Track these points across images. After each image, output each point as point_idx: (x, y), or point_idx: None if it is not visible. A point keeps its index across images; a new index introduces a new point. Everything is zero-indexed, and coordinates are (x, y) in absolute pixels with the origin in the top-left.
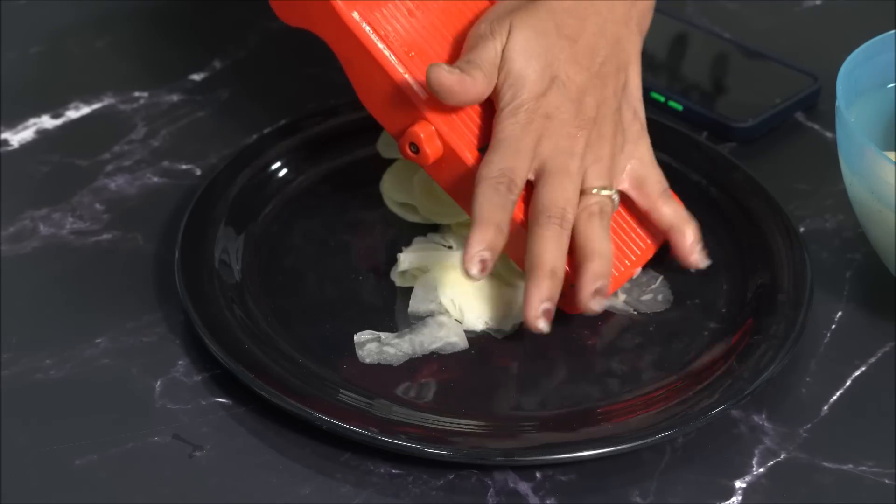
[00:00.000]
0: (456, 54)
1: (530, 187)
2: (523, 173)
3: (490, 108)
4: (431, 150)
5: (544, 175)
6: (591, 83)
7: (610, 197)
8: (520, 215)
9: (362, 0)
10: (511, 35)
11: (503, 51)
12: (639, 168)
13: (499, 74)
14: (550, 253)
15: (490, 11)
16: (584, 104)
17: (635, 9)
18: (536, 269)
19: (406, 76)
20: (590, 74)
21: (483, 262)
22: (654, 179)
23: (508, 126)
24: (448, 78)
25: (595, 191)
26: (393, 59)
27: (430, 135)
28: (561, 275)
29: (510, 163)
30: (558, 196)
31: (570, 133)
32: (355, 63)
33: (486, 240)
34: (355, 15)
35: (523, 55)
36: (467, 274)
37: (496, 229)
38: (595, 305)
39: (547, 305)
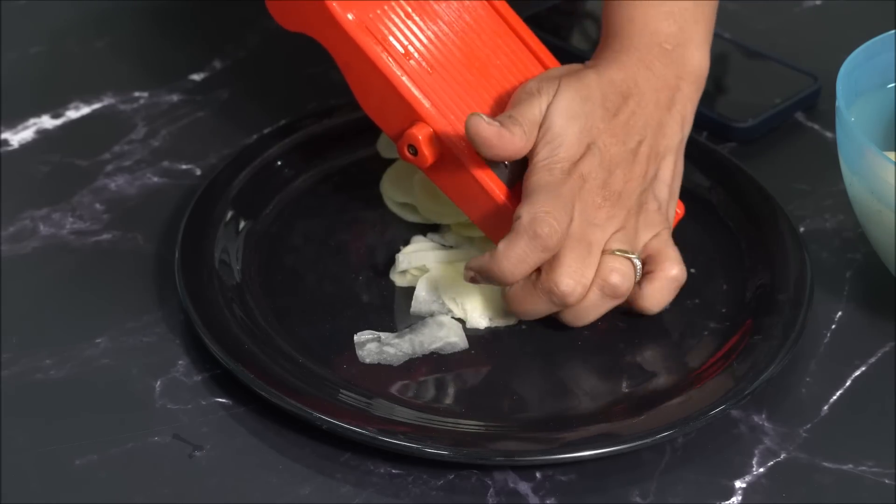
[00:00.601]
0: (453, 56)
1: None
2: (566, 218)
3: (496, 107)
4: (430, 151)
5: (567, 239)
6: (624, 158)
7: (631, 260)
8: None
9: (358, 1)
10: (557, 95)
11: (546, 108)
12: (655, 244)
13: (538, 131)
14: (535, 312)
15: (543, 73)
16: (613, 176)
17: (680, 93)
18: (511, 306)
19: (403, 78)
20: (624, 149)
21: (473, 280)
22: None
23: (544, 177)
24: (487, 129)
25: (618, 252)
26: (390, 61)
27: (429, 137)
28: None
29: (552, 205)
30: (575, 274)
31: (596, 202)
32: (353, 66)
33: (488, 273)
34: (350, 17)
35: (565, 115)
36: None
37: (503, 277)
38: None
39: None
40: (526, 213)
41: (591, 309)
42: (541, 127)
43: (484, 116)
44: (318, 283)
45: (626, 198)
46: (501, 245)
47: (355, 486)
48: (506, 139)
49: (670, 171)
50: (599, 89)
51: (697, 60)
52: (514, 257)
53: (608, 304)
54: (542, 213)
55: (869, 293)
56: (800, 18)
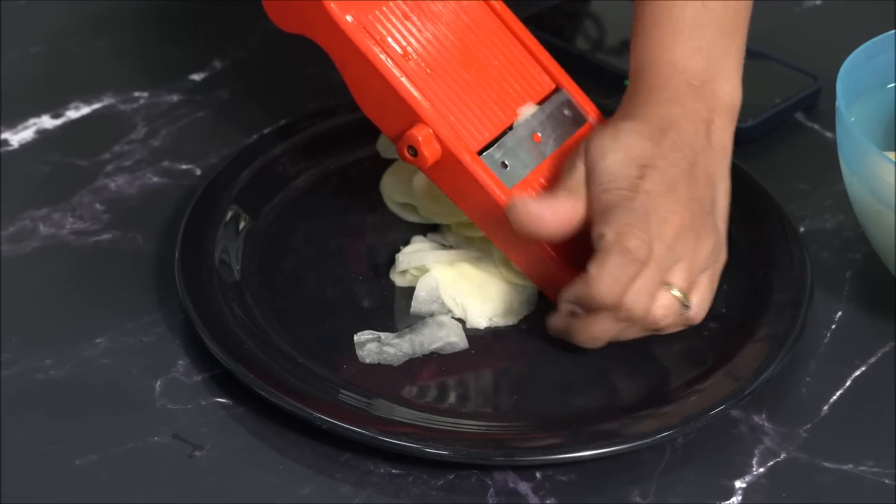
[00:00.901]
0: (452, 56)
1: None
2: (648, 229)
3: (495, 107)
4: (430, 152)
5: None
6: (684, 178)
7: (681, 302)
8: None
9: (356, 2)
10: (590, 148)
11: (584, 165)
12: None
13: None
14: (601, 339)
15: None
16: (677, 192)
17: (714, 125)
18: (578, 336)
19: (402, 79)
20: (680, 171)
21: (574, 314)
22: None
23: (611, 198)
24: (529, 207)
25: (673, 290)
26: (389, 62)
27: (428, 137)
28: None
29: (631, 218)
30: (642, 296)
31: (664, 217)
32: (351, 67)
33: (586, 299)
34: (349, 18)
35: (606, 153)
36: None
37: (602, 300)
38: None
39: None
40: (609, 230)
41: (627, 333)
42: (587, 180)
43: (523, 199)
44: (319, 283)
45: (693, 216)
46: (592, 268)
47: (355, 486)
48: (554, 207)
49: (724, 202)
50: (635, 130)
51: (728, 94)
52: (609, 277)
53: (642, 333)
54: (626, 227)
55: (869, 293)
56: (800, 18)
